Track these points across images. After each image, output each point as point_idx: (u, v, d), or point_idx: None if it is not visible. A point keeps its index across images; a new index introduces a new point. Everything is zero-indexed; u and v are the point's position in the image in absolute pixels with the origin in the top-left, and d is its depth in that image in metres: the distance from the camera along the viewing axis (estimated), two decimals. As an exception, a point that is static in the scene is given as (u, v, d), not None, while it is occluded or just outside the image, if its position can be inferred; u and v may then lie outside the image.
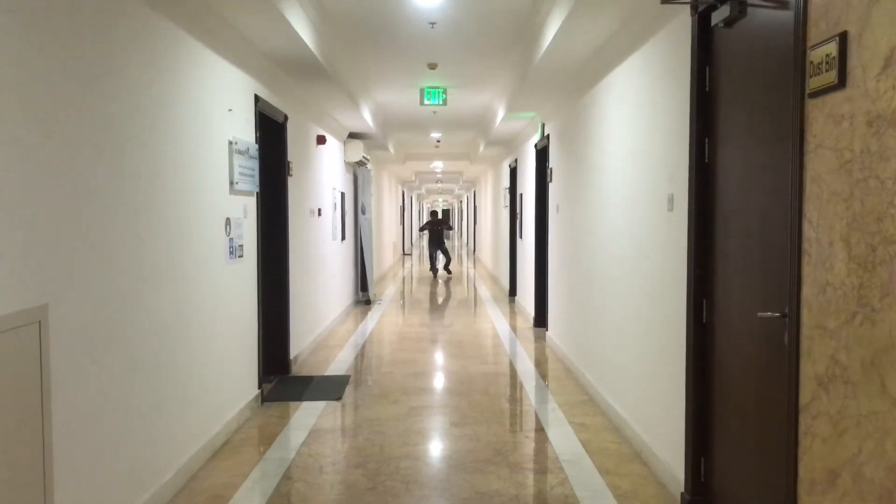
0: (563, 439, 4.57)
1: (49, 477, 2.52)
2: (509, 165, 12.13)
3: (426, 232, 17.21)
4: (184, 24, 3.84)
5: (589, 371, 5.76)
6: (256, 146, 5.19)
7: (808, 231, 2.30)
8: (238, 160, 4.72)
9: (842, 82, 2.09)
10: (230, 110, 4.66)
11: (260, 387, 5.39)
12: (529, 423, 5.07)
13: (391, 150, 12.77)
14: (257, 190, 5.22)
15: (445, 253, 17.19)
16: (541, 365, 6.94)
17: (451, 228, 18.94)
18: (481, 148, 12.82)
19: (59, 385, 2.61)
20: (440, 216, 17.20)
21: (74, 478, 2.72)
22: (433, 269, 17.08)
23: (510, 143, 11.63)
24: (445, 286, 14.78)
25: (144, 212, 3.36)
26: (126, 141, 3.17)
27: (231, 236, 4.66)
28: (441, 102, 8.38)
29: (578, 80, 5.87)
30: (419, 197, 40.09)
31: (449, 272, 17.17)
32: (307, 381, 6.16)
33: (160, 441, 3.54)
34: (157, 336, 3.51)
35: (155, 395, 3.48)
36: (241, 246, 4.88)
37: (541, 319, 8.72)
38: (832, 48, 2.13)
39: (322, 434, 4.69)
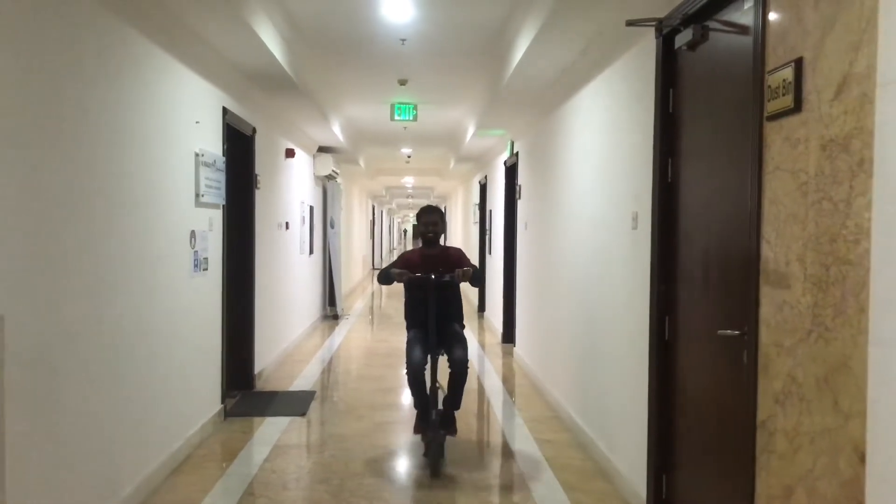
0: (529, 456, 4.58)
1: (1, 490, 2.45)
2: (479, 182, 12.19)
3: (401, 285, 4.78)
4: (151, 34, 3.82)
5: (555, 387, 5.78)
6: (224, 158, 5.16)
7: (766, 251, 2.35)
8: (204, 172, 4.68)
9: (798, 107, 2.15)
10: (197, 122, 4.63)
11: (223, 401, 5.32)
12: (496, 440, 5.07)
13: (362, 164, 12.77)
14: (224, 203, 5.18)
15: (457, 362, 4.45)
16: (508, 381, 6.95)
17: (478, 280, 4.56)
18: (452, 164, 12.88)
19: (12, 398, 2.54)
20: (438, 229, 4.73)
21: (28, 492, 2.66)
22: (424, 425, 4.46)
23: (480, 160, 11.70)
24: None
25: (107, 223, 3.31)
26: (89, 151, 3.13)
27: (196, 249, 4.61)
28: (412, 118, 8.41)
29: (547, 98, 5.94)
30: (390, 212, 40.06)
31: (449, 432, 4.52)
32: (272, 396, 6.09)
33: (119, 456, 3.47)
34: (116, 349, 3.45)
35: (114, 408, 3.42)
36: (206, 259, 4.83)
37: (509, 335, 8.75)
38: (789, 73, 2.19)
39: (286, 450, 4.64)
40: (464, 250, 5.04)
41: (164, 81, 4.05)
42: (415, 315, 4.67)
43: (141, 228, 3.72)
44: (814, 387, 2.06)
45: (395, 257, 4.96)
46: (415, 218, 5.15)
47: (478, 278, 4.54)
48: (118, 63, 3.43)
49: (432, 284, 4.45)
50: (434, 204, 5.16)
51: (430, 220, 4.72)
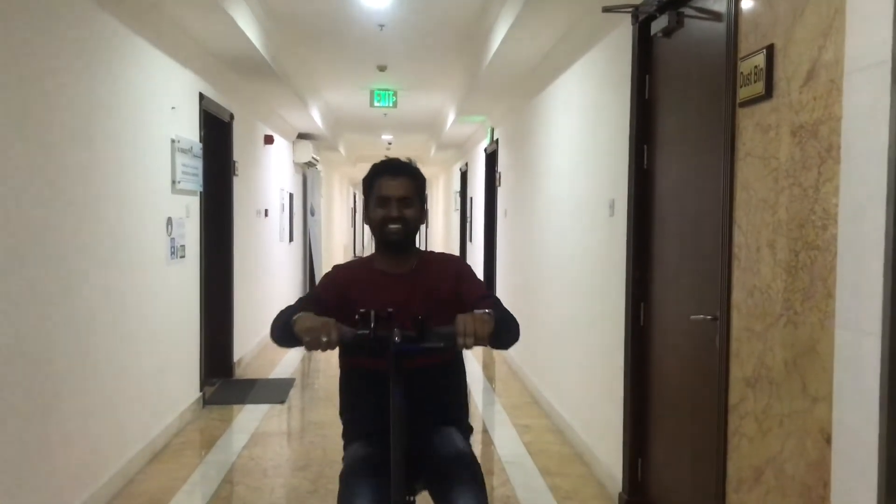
0: (507, 441, 4.61)
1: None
2: (460, 169, 12.18)
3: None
4: (125, 19, 3.76)
5: (534, 373, 5.82)
6: (200, 145, 5.11)
7: (738, 236, 2.37)
8: (181, 159, 4.64)
9: (769, 93, 2.17)
10: (173, 108, 4.58)
11: (202, 389, 5.30)
12: (475, 425, 5.09)
13: (342, 151, 12.71)
14: (201, 189, 5.13)
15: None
16: (488, 367, 6.98)
17: (506, 335, 1.91)
18: (433, 151, 12.86)
19: (-15, 387, 2.53)
20: (412, 214, 2.13)
21: (3, 479, 2.64)
22: None
23: (461, 147, 11.68)
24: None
25: (81, 210, 3.27)
26: (61, 138, 3.09)
27: (172, 236, 4.57)
28: (391, 105, 8.38)
29: (526, 85, 5.94)
30: (371, 199, 39.81)
31: None
32: (251, 384, 6.07)
33: (96, 443, 3.45)
34: (90, 336, 3.42)
35: (90, 396, 3.40)
36: (183, 246, 4.80)
37: (489, 322, 8.76)
38: (760, 60, 2.20)
39: (265, 437, 4.63)
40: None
41: (138, 66, 4.00)
42: (360, 414, 2.21)
43: (116, 215, 3.69)
44: (783, 370, 2.09)
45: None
46: (363, 184, 2.25)
47: (508, 331, 1.96)
48: (91, 48, 3.38)
49: (396, 354, 1.83)
50: (408, 159, 2.25)
51: (396, 191, 2.14)
